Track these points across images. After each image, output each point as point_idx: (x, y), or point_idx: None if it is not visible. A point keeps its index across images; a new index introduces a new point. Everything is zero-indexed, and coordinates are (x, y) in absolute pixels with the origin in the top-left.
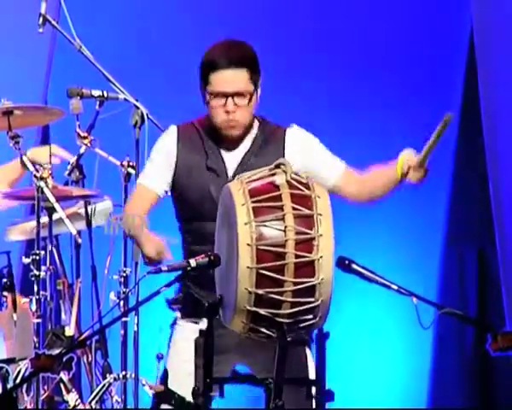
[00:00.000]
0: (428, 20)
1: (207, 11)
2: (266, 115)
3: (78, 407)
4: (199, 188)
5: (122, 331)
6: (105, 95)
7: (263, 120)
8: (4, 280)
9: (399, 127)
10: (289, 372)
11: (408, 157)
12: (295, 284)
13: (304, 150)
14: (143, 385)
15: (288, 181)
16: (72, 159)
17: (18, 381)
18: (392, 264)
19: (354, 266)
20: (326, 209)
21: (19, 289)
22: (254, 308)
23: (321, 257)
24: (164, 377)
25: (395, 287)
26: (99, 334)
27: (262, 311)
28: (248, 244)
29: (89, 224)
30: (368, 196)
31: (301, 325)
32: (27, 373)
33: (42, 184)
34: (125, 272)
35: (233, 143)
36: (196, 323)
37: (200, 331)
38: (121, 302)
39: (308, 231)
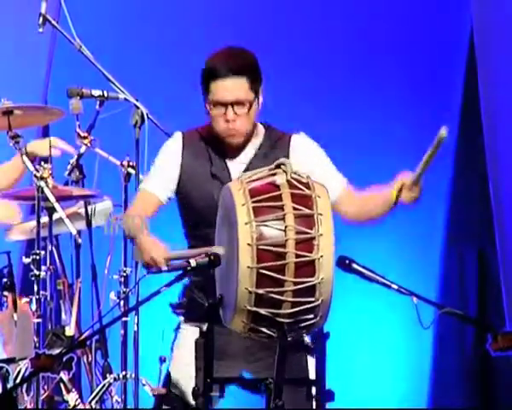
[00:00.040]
0: (428, 20)
1: (207, 11)
2: (267, 116)
3: (78, 407)
4: (203, 195)
5: (122, 331)
6: (105, 95)
7: (268, 126)
8: (4, 280)
9: (399, 127)
10: (289, 373)
11: (402, 177)
12: (296, 283)
13: (308, 159)
14: (143, 385)
15: (288, 181)
16: (73, 159)
17: (18, 381)
18: (392, 264)
19: (354, 266)
20: (326, 209)
21: (19, 289)
22: (255, 308)
23: (321, 257)
24: (167, 381)
25: (395, 287)
26: (99, 334)
27: (262, 311)
28: (249, 244)
29: (89, 224)
30: (364, 216)
31: (302, 324)
32: (27, 373)
33: (42, 183)
34: (125, 271)
35: (237, 151)
36: (200, 327)
37: (201, 332)
38: (121, 302)
39: (308, 231)
